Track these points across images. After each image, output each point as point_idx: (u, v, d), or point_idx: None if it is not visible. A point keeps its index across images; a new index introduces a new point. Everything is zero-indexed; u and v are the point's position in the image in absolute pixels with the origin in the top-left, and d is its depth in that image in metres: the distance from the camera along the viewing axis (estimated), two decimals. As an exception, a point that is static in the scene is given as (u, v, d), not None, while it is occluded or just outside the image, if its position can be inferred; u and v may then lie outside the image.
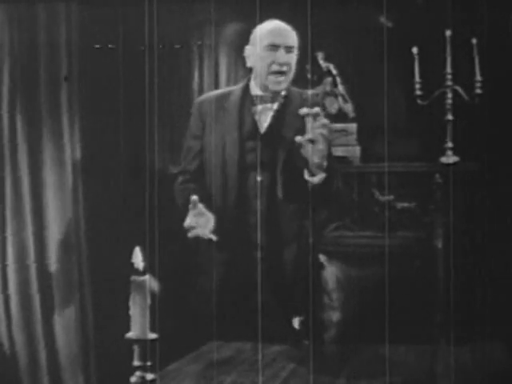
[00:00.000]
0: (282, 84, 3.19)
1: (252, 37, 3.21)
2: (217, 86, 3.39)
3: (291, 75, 3.19)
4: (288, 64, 3.17)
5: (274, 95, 3.21)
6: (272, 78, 3.18)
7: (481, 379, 3.00)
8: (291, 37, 3.19)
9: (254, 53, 3.20)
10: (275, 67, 3.17)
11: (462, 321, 3.14)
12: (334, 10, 3.23)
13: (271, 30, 3.18)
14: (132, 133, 3.30)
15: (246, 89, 3.24)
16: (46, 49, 3.35)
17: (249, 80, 3.24)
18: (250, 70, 3.24)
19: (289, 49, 3.17)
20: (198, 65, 3.44)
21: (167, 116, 3.30)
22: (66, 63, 3.36)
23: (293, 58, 3.18)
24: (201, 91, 3.42)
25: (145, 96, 3.24)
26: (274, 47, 3.17)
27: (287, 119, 3.21)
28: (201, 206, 3.15)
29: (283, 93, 3.21)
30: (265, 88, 3.20)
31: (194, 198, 3.12)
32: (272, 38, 3.17)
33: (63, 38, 3.35)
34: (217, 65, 3.39)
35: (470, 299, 3.15)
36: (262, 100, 3.22)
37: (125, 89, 3.26)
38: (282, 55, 3.16)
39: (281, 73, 3.17)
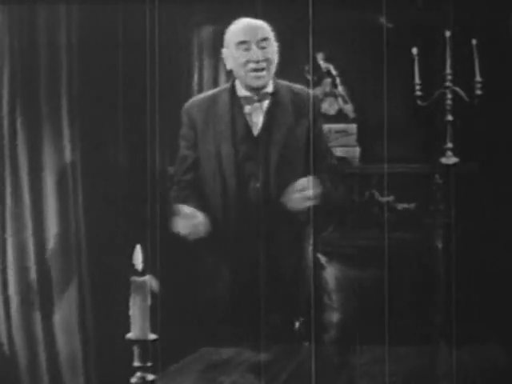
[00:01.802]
0: (265, 78, 3.07)
1: (225, 39, 3.12)
2: (216, 86, 3.37)
3: (273, 68, 3.08)
4: (265, 59, 3.06)
5: (261, 94, 3.10)
6: (252, 74, 3.06)
7: (481, 380, 3.00)
8: (262, 30, 3.07)
9: (229, 55, 3.10)
10: (252, 65, 3.05)
11: (462, 321, 3.14)
12: (334, 11, 3.23)
13: (238, 28, 3.08)
14: (132, 133, 3.30)
15: (233, 90, 3.13)
16: (46, 50, 3.34)
17: (234, 81, 3.14)
18: (231, 71, 3.13)
19: (261, 42, 3.05)
20: (197, 65, 3.44)
21: (168, 116, 3.30)
22: (66, 64, 3.36)
23: (269, 51, 3.07)
24: (200, 91, 3.41)
25: (145, 96, 3.23)
26: (244, 44, 3.05)
27: (279, 117, 3.13)
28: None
29: (270, 90, 3.11)
30: (248, 87, 3.10)
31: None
32: (240, 36, 3.06)
33: (63, 40, 3.35)
34: (216, 64, 3.39)
35: (470, 300, 3.15)
36: (250, 100, 3.12)
37: (125, 89, 3.26)
38: (255, 52, 3.04)
39: (260, 69, 3.06)
